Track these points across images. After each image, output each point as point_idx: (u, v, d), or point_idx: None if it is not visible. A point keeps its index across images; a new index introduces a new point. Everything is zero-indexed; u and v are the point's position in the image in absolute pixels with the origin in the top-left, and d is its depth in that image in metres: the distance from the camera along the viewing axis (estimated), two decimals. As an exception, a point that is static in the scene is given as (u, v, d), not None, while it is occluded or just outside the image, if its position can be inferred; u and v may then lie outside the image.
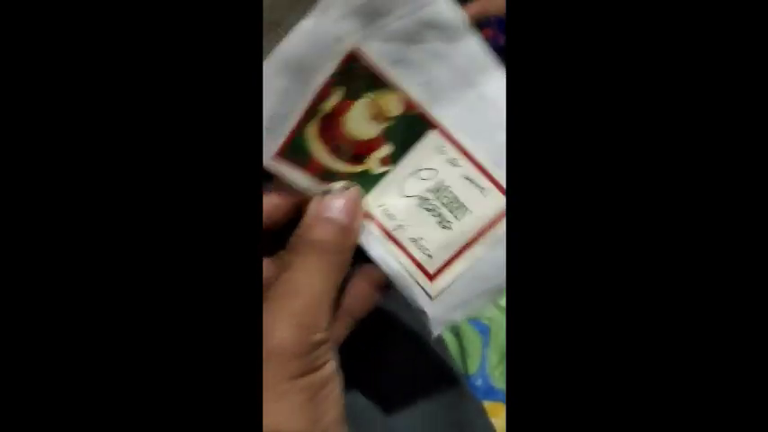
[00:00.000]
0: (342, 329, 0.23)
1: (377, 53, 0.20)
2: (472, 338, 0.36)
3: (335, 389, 0.21)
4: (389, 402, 0.32)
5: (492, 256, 0.21)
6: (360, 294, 0.23)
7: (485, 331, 0.36)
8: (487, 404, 0.35)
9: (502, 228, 0.21)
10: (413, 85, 0.20)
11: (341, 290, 0.22)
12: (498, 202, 0.21)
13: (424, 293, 0.22)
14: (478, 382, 0.35)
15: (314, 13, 0.19)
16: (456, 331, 0.36)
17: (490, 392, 0.35)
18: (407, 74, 0.20)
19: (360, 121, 0.20)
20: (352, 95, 0.20)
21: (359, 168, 0.21)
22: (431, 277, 0.21)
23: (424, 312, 0.22)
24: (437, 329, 0.22)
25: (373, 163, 0.21)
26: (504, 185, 0.21)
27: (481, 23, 0.50)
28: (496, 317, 0.36)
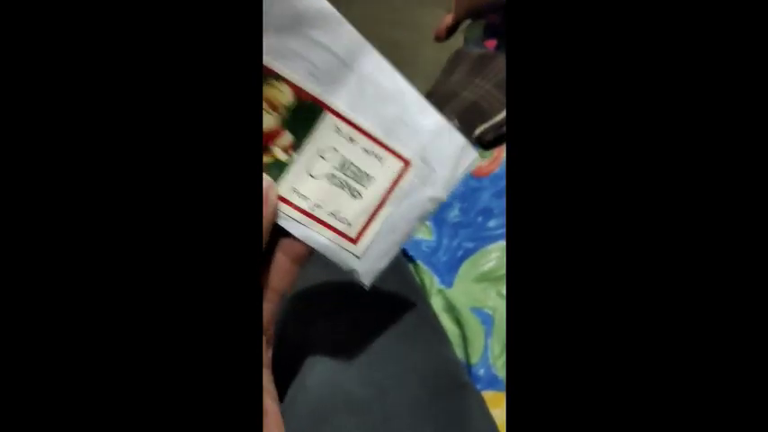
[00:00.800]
0: (271, 306, 0.24)
1: (262, 48, 0.22)
2: (475, 328, 0.35)
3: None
4: (388, 392, 0.33)
5: (398, 210, 0.24)
6: (282, 269, 0.24)
7: (487, 321, 0.35)
8: (490, 394, 0.34)
9: (401, 186, 0.24)
10: (299, 74, 0.22)
11: (263, 270, 0.24)
12: (395, 166, 0.23)
13: (351, 255, 0.24)
14: (481, 372, 0.35)
15: None
16: (458, 320, 0.36)
17: (493, 382, 0.34)
18: (291, 64, 0.22)
19: (258, 115, 0.22)
20: (246, 92, 0.22)
21: (266, 159, 0.23)
22: (354, 241, 0.24)
23: (354, 271, 0.25)
24: (368, 281, 0.25)
25: (278, 152, 0.23)
26: (397, 151, 0.23)
27: (487, 10, 0.49)
28: (500, 306, 0.35)
